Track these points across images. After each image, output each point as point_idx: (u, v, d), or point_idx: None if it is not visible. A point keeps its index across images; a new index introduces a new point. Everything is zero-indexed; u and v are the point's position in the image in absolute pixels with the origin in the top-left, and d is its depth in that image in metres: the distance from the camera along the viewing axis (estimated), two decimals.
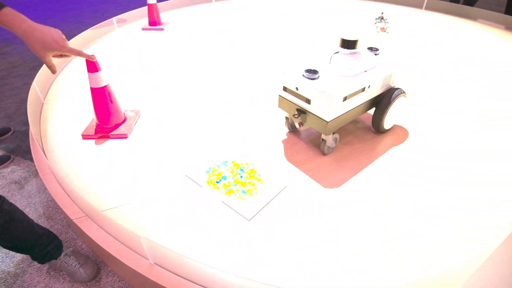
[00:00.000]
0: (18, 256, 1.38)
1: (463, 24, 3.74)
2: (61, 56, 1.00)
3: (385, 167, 1.56)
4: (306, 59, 1.59)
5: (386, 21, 3.45)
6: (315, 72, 1.44)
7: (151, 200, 1.39)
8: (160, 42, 3.14)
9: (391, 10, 4.17)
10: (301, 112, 1.52)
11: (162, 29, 3.45)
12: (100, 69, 1.66)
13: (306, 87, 1.43)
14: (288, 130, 1.81)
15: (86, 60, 1.62)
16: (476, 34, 3.42)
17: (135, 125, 1.89)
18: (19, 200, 1.67)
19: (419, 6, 4.27)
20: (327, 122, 1.43)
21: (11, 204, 1.09)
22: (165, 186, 1.46)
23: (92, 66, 1.63)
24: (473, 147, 1.71)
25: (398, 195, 1.41)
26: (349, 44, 1.49)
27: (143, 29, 3.46)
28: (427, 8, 4.21)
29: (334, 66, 1.49)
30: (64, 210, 1.36)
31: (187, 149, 1.69)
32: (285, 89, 1.54)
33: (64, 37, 0.95)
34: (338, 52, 1.52)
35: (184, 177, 1.50)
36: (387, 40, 3.19)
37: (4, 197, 1.06)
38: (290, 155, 1.64)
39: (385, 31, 3.43)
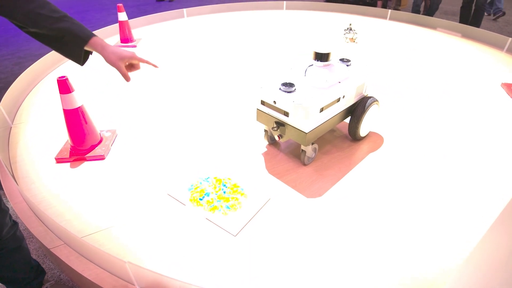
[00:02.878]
0: None
1: (425, 32, 3.97)
2: (131, 67, 1.12)
3: (364, 173, 1.62)
4: (282, 72, 1.63)
5: (355, 31, 3.60)
6: (291, 85, 1.48)
7: (133, 222, 1.35)
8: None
9: (357, 20, 4.36)
10: (280, 124, 1.55)
11: (134, 46, 3.41)
12: (73, 90, 1.61)
13: (283, 100, 1.46)
14: (267, 143, 1.83)
15: (58, 81, 1.57)
16: (437, 41, 3.64)
17: (112, 146, 1.85)
18: None
19: (383, 17, 4.49)
20: (306, 133, 1.46)
21: (20, 231, 1.11)
22: (147, 207, 1.43)
23: (65, 88, 1.59)
24: (443, 148, 1.80)
25: (380, 199, 1.45)
26: (322, 57, 1.54)
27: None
28: (391, 19, 4.44)
29: (309, 78, 1.54)
30: (40, 239, 1.29)
31: (167, 167, 1.67)
32: (263, 102, 1.57)
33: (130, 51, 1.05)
34: (312, 65, 1.57)
35: (166, 196, 1.47)
36: (356, 50, 3.33)
37: (18, 223, 1.05)
38: (271, 167, 1.65)
39: (354, 41, 3.57)
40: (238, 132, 1.96)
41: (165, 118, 2.12)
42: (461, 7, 4.71)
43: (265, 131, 1.78)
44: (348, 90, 1.62)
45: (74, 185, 1.57)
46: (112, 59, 0.98)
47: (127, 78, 1.02)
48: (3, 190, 1.58)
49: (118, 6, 3.34)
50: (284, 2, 4.84)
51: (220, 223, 1.32)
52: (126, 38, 3.43)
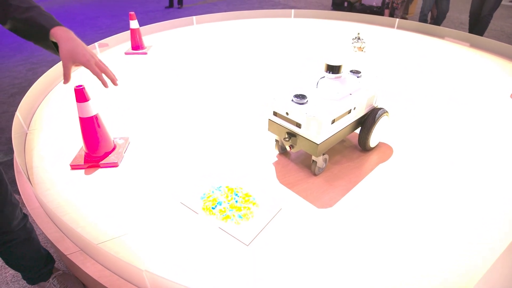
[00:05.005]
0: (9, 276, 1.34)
1: (433, 41, 3.98)
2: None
3: (374, 184, 1.63)
4: (293, 83, 1.65)
5: (363, 40, 3.63)
6: (303, 97, 1.51)
7: (147, 230, 1.38)
8: (144, 66, 3.15)
9: (365, 29, 4.39)
10: (292, 135, 1.58)
11: (145, 53, 3.47)
12: (89, 99, 1.65)
13: (296, 112, 1.49)
14: (278, 152, 1.85)
15: (75, 90, 1.62)
16: (445, 50, 3.65)
17: (125, 153, 1.88)
18: None
19: (391, 25, 4.52)
20: (318, 144, 1.48)
21: (30, 223, 1.16)
22: (160, 215, 1.45)
23: (81, 96, 1.63)
24: (452, 158, 1.81)
25: (390, 210, 1.47)
26: (333, 69, 1.57)
27: (126, 53, 3.46)
28: (398, 27, 4.46)
29: (321, 90, 1.56)
30: (57, 245, 1.32)
31: (180, 175, 1.70)
32: (275, 113, 1.60)
33: (94, 56, 0.97)
34: (323, 76, 1.60)
35: (179, 205, 1.50)
36: (364, 59, 3.35)
37: (28, 216, 1.08)
38: (282, 177, 1.68)
39: (362, 50, 3.60)
40: (249, 141, 1.98)
41: (177, 126, 2.16)
42: (469, 17, 4.73)
43: (276, 141, 1.80)
44: (359, 102, 1.64)
45: (88, 192, 1.60)
46: (63, 56, 0.91)
47: (65, 80, 0.95)
48: (19, 194, 1.62)
49: (130, 14, 3.40)
50: (292, 10, 4.89)
51: (232, 232, 1.34)
52: (137, 45, 3.49)
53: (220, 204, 1.46)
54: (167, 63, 3.23)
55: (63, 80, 0.96)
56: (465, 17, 6.42)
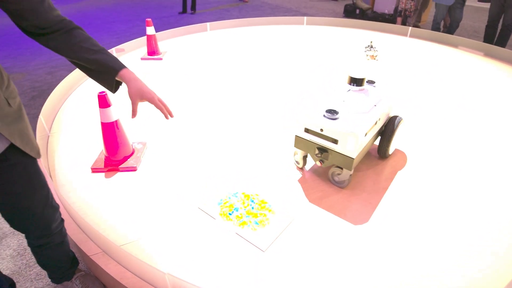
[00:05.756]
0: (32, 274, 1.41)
1: (446, 50, 3.97)
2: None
3: (395, 190, 1.64)
4: (317, 96, 1.68)
5: (375, 49, 3.64)
6: (335, 112, 1.52)
7: (166, 233, 1.42)
8: (160, 72, 3.22)
9: (377, 37, 4.40)
10: (323, 151, 1.59)
11: (160, 59, 3.54)
12: (111, 105, 1.71)
13: (331, 128, 1.50)
14: (296, 163, 1.86)
15: (98, 96, 1.68)
16: (458, 59, 3.64)
17: (143, 157, 1.93)
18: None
19: (403, 34, 4.52)
20: (353, 159, 1.50)
21: (65, 228, 1.24)
22: (179, 219, 1.49)
23: (104, 102, 1.69)
24: (466, 163, 1.81)
25: (413, 217, 1.48)
26: (358, 82, 1.60)
27: (142, 59, 3.54)
28: (411, 36, 4.46)
29: (349, 104, 1.58)
30: (80, 246, 1.37)
31: (197, 181, 1.74)
32: (307, 130, 1.61)
33: (155, 93, 1.12)
34: (349, 90, 1.62)
35: (196, 210, 1.54)
36: (377, 67, 3.37)
37: (64, 220, 1.21)
38: (297, 185, 1.70)
39: (374, 59, 3.61)
40: (264, 148, 2.02)
41: (193, 131, 2.20)
42: (487, 26, 4.67)
43: (304, 157, 1.80)
44: (381, 112, 1.67)
45: (108, 195, 1.65)
46: (132, 94, 1.06)
47: (133, 115, 1.09)
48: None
49: (147, 21, 3.48)
50: (305, 18, 4.93)
51: (249, 238, 1.37)
52: (153, 51, 3.57)
53: (237, 210, 1.50)
54: (182, 69, 3.29)
55: (131, 115, 1.10)
56: (479, 25, 6.38)
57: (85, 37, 0.99)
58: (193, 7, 7.11)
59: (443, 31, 5.04)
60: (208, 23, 4.56)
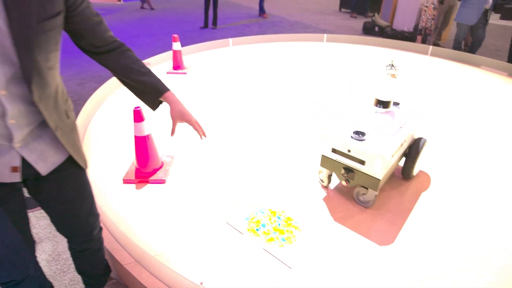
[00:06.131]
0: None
1: (468, 70, 3.96)
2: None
3: (419, 212, 1.65)
4: (345, 118, 1.72)
5: (396, 68, 3.67)
6: (363, 133, 1.56)
7: (195, 246, 1.46)
8: (185, 86, 3.33)
9: (397, 55, 4.43)
10: (349, 170, 1.62)
11: (185, 73, 3.66)
12: (144, 119, 1.80)
13: (358, 149, 1.54)
14: (323, 183, 1.88)
15: (134, 111, 1.77)
16: (481, 79, 3.62)
17: (171, 170, 2.00)
18: (60, 242, 1.74)
19: (424, 52, 4.53)
20: (379, 180, 1.53)
21: (102, 235, 1.29)
22: (207, 233, 1.54)
23: (138, 117, 1.77)
24: (491, 183, 1.80)
25: (437, 239, 1.48)
26: (384, 104, 1.63)
27: (167, 73, 3.68)
28: (432, 54, 4.47)
29: (375, 125, 1.62)
30: (114, 255, 1.43)
31: (224, 195, 1.79)
32: (334, 150, 1.65)
33: (192, 115, 1.22)
34: (376, 111, 1.66)
35: (224, 224, 1.58)
36: (398, 86, 3.38)
37: (102, 228, 1.26)
38: (322, 203, 1.73)
39: (395, 78, 3.63)
40: (290, 163, 2.06)
41: (219, 145, 2.27)
42: (511, 45, 4.63)
43: (329, 177, 1.83)
44: (407, 134, 1.69)
45: (138, 206, 1.72)
46: (174, 116, 1.18)
47: (172, 134, 1.21)
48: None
49: (173, 37, 3.63)
50: (325, 35, 5.02)
51: (277, 254, 1.40)
52: (178, 66, 3.70)
53: (264, 226, 1.53)
54: (206, 83, 3.39)
55: (170, 133, 1.22)
56: (501, 44, 6.31)
57: (135, 59, 1.08)
58: (215, 22, 7.32)
59: (465, 50, 5.02)
60: (230, 39, 4.69)
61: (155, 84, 1.10)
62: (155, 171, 1.94)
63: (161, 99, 1.13)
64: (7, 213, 0.90)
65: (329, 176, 1.82)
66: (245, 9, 9.91)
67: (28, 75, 0.77)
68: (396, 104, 1.82)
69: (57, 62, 0.88)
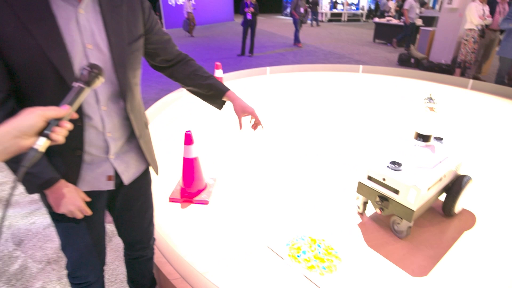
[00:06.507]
0: None
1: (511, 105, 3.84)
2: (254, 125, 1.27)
3: (462, 252, 1.61)
4: (385, 149, 1.76)
5: (435, 101, 3.64)
6: (399, 164, 1.60)
7: (236, 268, 1.52)
8: (225, 111, 3.49)
9: (435, 88, 4.39)
10: (384, 199, 1.65)
11: None
12: (193, 143, 1.93)
13: (393, 179, 1.57)
14: (359, 210, 1.91)
15: (185, 134, 1.90)
16: None
17: (214, 192, 2.10)
18: (108, 253, 1.85)
19: (464, 86, 4.46)
20: (414, 211, 1.54)
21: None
22: (248, 255, 1.59)
23: (189, 140, 1.90)
24: None
25: (479, 278, 1.44)
26: (424, 138, 1.66)
27: None
28: (472, 89, 4.39)
29: (414, 158, 1.64)
30: (161, 269, 1.51)
31: (265, 220, 1.84)
32: (369, 178, 1.69)
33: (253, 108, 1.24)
34: (415, 144, 1.69)
35: (266, 248, 1.63)
36: (437, 120, 3.35)
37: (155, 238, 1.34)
38: (357, 229, 1.73)
39: (433, 111, 3.60)
40: (331, 194, 2.09)
41: (260, 170, 2.35)
42: None
43: (364, 203, 1.86)
44: (448, 169, 1.69)
45: (183, 225, 1.81)
46: (237, 110, 1.19)
47: (240, 127, 1.22)
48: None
49: (216, 64, 3.86)
50: (360, 66, 5.09)
51: (318, 283, 1.42)
52: None
53: (305, 253, 1.56)
54: None
55: (238, 127, 1.23)
56: None
57: (198, 66, 1.17)
58: (251, 50, 7.65)
59: (508, 85, 4.88)
60: (268, 67, 4.89)
61: (217, 85, 1.16)
62: (199, 192, 2.04)
63: (224, 98, 1.18)
64: (96, 219, 1.01)
65: (365, 203, 1.84)
66: (280, 38, 10.29)
67: (123, 91, 0.89)
68: (438, 139, 1.83)
69: (140, 79, 1.00)
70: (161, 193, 2.08)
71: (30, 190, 0.86)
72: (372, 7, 18.93)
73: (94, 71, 0.69)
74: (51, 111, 0.61)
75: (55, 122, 0.61)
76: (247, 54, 7.73)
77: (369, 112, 3.54)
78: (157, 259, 1.58)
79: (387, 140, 2.83)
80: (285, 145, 2.75)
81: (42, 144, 0.60)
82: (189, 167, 1.96)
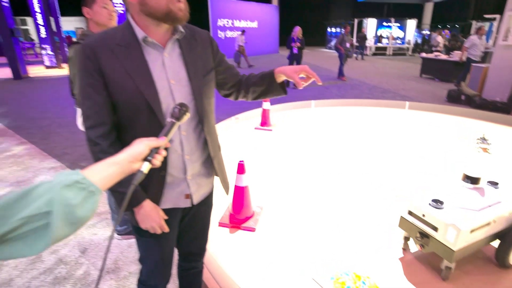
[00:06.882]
0: None
1: None
2: (306, 79, 1.19)
3: None
4: (428, 187, 1.77)
5: (488, 142, 3.51)
6: (441, 202, 1.61)
7: None
8: (270, 142, 3.65)
9: (488, 128, 4.22)
10: (424, 236, 1.66)
11: (270, 130, 4.02)
12: (245, 172, 2.07)
13: (433, 216, 1.59)
14: (404, 248, 1.90)
15: (238, 164, 2.06)
16: None
17: (261, 220, 2.20)
18: None
19: None
20: (454, 251, 1.53)
21: None
22: (293, 285, 1.65)
23: (241, 169, 2.06)
24: None
25: None
26: (473, 180, 1.66)
27: (255, 128, 4.08)
28: None
29: (459, 199, 1.65)
30: (209, 286, 1.62)
31: (309, 250, 1.90)
32: (410, 213, 1.72)
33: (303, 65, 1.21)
34: (462, 185, 1.69)
35: (310, 280, 1.68)
36: (490, 161, 3.21)
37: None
38: (408, 274, 1.72)
39: (487, 151, 3.47)
40: (375, 227, 2.10)
41: (304, 200, 2.43)
42: None
43: (405, 238, 1.87)
44: (499, 214, 1.65)
45: (230, 250, 1.92)
46: (290, 74, 1.12)
47: (299, 85, 1.13)
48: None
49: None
50: (407, 102, 5.05)
51: None
52: (264, 122, 4.09)
53: None
54: (291, 141, 3.67)
55: (297, 87, 1.14)
56: None
57: (251, 75, 1.23)
58: None
59: None
60: (313, 101, 5.04)
61: (266, 72, 1.18)
62: (246, 219, 2.16)
63: (277, 78, 1.16)
64: (170, 235, 1.15)
65: (406, 238, 1.84)
66: (324, 71, 10.50)
67: (200, 117, 1.04)
68: (493, 183, 1.80)
69: (214, 107, 1.15)
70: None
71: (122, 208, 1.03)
72: (419, 41, 18.69)
73: (183, 109, 0.84)
74: (153, 142, 0.77)
75: (155, 150, 0.77)
76: (291, 86, 7.98)
77: (416, 149, 3.49)
78: (205, 275, 1.69)
79: (433, 179, 2.77)
80: (330, 178, 2.81)
81: (146, 167, 0.75)
82: (240, 195, 2.10)
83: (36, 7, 11.26)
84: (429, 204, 1.64)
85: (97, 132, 0.95)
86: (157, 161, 0.77)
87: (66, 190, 0.58)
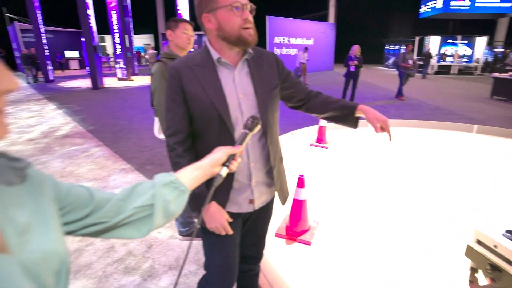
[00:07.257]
0: None
1: None
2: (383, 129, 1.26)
3: None
4: (500, 215, 1.67)
5: None
6: None
7: None
8: (326, 159, 3.66)
9: None
10: (496, 269, 1.56)
11: (326, 147, 4.03)
12: (305, 186, 2.13)
13: (507, 248, 1.50)
14: (471, 280, 1.79)
15: (298, 178, 2.13)
16: None
17: (317, 235, 2.23)
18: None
19: None
20: None
21: None
22: None
23: (301, 183, 2.12)
24: None
25: None
26: None
27: (311, 145, 4.12)
28: None
29: None
30: None
31: (364, 268, 1.88)
32: (479, 242, 1.63)
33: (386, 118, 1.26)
34: None
35: None
36: None
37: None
38: None
39: None
40: (437, 252, 2.01)
41: (359, 218, 2.40)
42: None
43: (471, 269, 1.77)
44: None
45: (286, 260, 1.97)
46: (371, 119, 1.19)
47: (377, 130, 1.20)
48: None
49: None
50: (475, 126, 4.72)
51: None
52: (320, 139, 4.12)
53: None
54: (347, 160, 3.65)
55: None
56: None
57: (325, 96, 1.31)
58: (352, 100, 7.80)
59: None
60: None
61: (349, 104, 1.26)
62: (303, 232, 2.20)
63: (357, 114, 1.23)
64: (234, 238, 1.24)
65: (473, 269, 1.72)
66: (381, 90, 10.19)
67: (265, 128, 1.13)
68: None
69: (278, 120, 1.23)
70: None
71: (193, 208, 1.14)
72: (490, 59, 17.20)
73: (255, 121, 0.93)
74: (230, 150, 0.86)
75: (232, 157, 0.86)
76: None
77: (485, 175, 3.25)
78: (261, 280, 1.76)
79: (506, 208, 2.55)
80: (387, 198, 2.74)
81: (224, 172, 0.84)
82: (298, 208, 2.16)
83: (115, 27, 12.77)
84: (503, 235, 1.55)
85: (175, 139, 1.10)
86: (234, 166, 0.86)
87: (164, 188, 0.71)
